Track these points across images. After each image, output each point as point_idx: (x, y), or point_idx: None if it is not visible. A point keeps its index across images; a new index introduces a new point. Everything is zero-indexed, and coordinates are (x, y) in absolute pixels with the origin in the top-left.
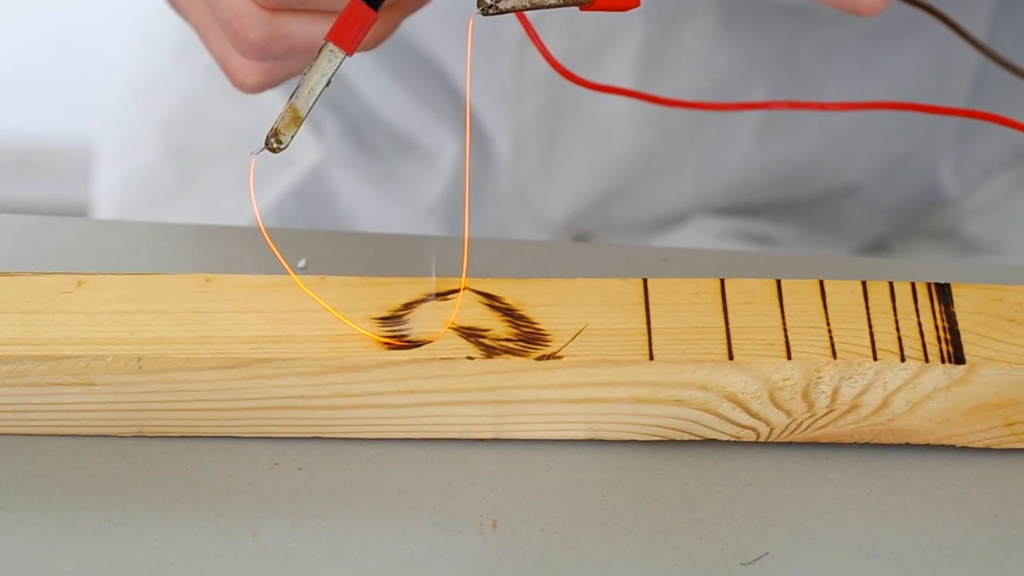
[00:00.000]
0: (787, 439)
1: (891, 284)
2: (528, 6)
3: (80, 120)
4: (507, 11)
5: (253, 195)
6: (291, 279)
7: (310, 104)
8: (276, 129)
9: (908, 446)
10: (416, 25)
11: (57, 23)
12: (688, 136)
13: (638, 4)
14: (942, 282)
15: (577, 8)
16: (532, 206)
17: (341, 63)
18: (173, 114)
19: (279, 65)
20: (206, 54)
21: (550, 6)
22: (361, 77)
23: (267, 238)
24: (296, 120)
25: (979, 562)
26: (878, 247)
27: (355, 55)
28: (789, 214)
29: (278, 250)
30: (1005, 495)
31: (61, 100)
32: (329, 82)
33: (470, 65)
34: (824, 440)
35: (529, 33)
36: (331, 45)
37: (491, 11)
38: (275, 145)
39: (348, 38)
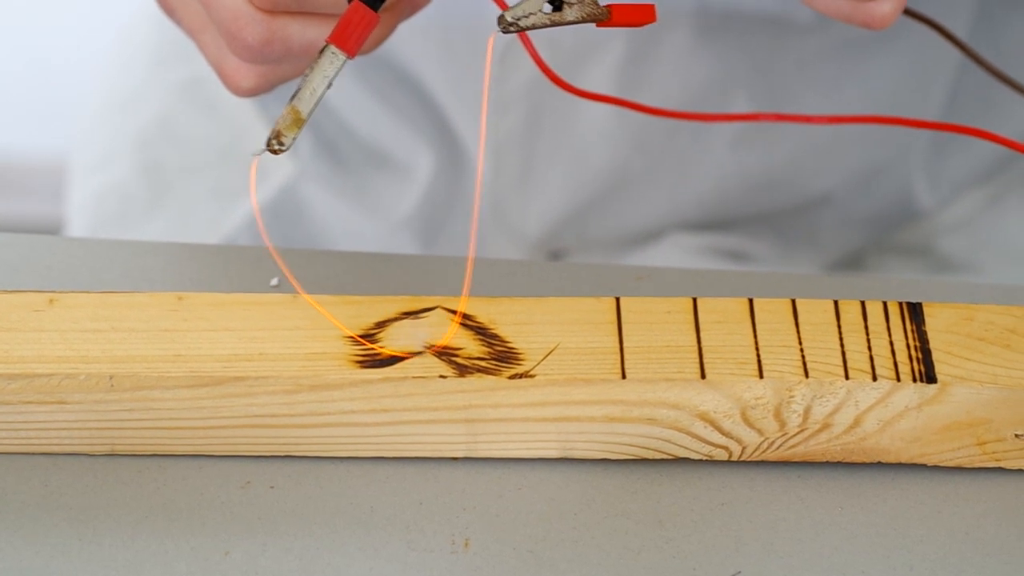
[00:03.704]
0: (759, 458)
1: (863, 303)
2: (548, 23)
3: (53, 137)
4: (527, 28)
5: (254, 195)
6: (264, 297)
7: (312, 106)
8: (278, 131)
9: (880, 465)
10: (394, 39)
11: (30, 39)
12: (664, 149)
13: (654, 19)
14: (914, 301)
15: (594, 24)
16: (508, 220)
17: (343, 66)
18: (147, 129)
19: (275, 69)
20: (180, 69)
21: (568, 23)
22: (336, 91)
23: (266, 238)
24: (298, 121)
25: None
26: (852, 263)
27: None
28: (763, 228)
29: (251, 269)
30: (976, 514)
31: (34, 117)
32: (330, 84)
33: (487, 84)
34: (796, 459)
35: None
36: (333, 47)
37: (511, 28)
38: (276, 147)
39: (350, 40)
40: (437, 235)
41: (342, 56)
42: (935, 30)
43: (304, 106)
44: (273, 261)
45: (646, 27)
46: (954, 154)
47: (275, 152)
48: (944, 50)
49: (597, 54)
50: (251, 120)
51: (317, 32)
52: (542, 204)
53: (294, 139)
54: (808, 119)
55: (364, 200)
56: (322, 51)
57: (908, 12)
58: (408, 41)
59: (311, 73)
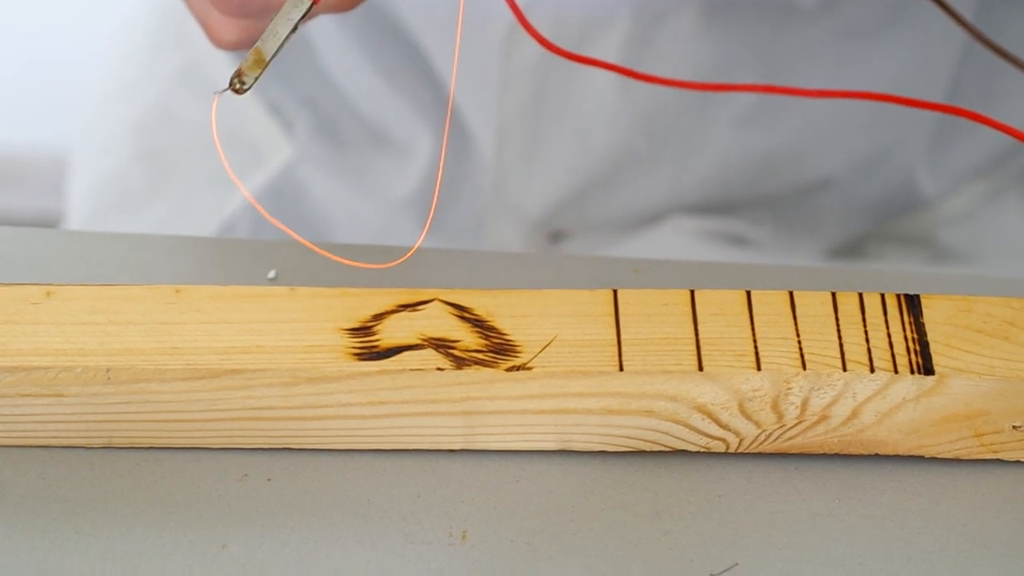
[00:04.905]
0: (757, 450)
1: (860, 295)
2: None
3: (50, 131)
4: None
5: (216, 137)
6: (262, 290)
7: (275, 48)
8: (240, 70)
9: (877, 457)
10: (399, 14)
11: (27, 34)
12: (667, 131)
13: None
14: (912, 292)
15: None
16: (510, 200)
17: (308, 10)
18: (145, 117)
19: (257, 23)
20: (178, 57)
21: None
22: (340, 68)
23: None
24: (260, 62)
25: (948, 573)
26: (853, 250)
27: (337, 38)
28: (765, 212)
29: (249, 261)
30: (974, 506)
31: (31, 111)
32: (295, 28)
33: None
34: (794, 451)
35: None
36: None
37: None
38: (238, 85)
39: None
40: (439, 217)
41: (307, 1)
42: (939, 6)
43: (267, 47)
44: (271, 254)
45: (652, 10)
46: (956, 144)
47: (236, 91)
48: (948, 38)
49: (601, 35)
50: (249, 106)
51: None
52: (544, 184)
53: (256, 79)
54: (805, 92)
55: (364, 182)
56: None
57: None
58: (412, 16)
59: (276, 16)
